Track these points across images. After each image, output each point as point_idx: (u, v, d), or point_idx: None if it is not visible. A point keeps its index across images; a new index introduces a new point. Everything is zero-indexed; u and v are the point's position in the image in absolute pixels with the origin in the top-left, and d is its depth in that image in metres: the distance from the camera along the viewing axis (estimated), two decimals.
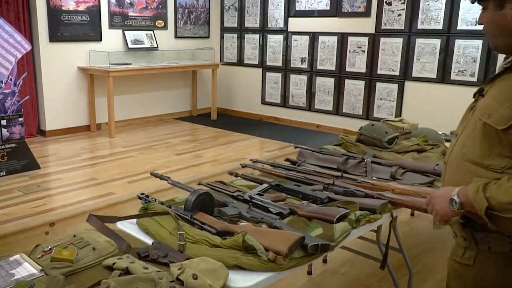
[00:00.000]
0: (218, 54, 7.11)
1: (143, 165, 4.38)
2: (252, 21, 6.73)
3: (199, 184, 2.20)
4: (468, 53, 5.02)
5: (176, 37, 6.60)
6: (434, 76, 5.26)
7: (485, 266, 1.43)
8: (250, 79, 6.90)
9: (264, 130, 6.08)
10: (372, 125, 2.82)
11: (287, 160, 2.65)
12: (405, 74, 5.45)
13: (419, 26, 5.29)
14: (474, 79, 4.98)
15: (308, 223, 1.75)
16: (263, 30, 6.63)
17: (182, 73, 6.71)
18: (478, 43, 4.95)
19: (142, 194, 1.93)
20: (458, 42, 5.07)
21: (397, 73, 5.52)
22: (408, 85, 5.46)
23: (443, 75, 5.19)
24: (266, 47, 6.64)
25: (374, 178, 2.33)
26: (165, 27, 6.46)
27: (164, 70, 6.07)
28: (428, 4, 5.19)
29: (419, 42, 5.32)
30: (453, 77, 5.13)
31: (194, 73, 6.85)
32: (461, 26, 5.03)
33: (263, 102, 6.81)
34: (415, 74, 5.39)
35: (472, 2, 1.50)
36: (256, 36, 6.72)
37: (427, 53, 5.28)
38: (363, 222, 1.84)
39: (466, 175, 1.41)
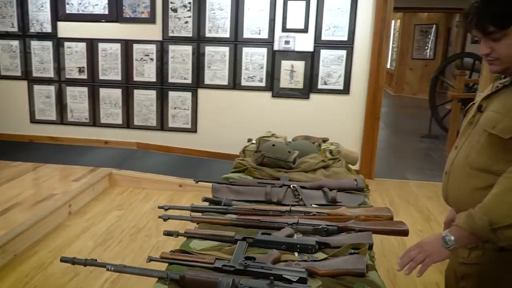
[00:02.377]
0: None
1: None
2: (8, 24, 5.59)
3: (150, 260, 1.71)
4: (255, 60, 5.32)
5: None
6: (226, 83, 5.40)
7: (492, 263, 1.54)
8: (12, 94, 5.75)
9: (45, 152, 5.20)
10: (273, 145, 2.67)
11: (206, 200, 2.29)
12: (198, 82, 5.44)
13: (207, 34, 5.33)
14: (263, 84, 5.32)
15: (346, 285, 1.52)
16: (25, 35, 5.59)
17: None
18: (263, 50, 5.29)
19: None
20: (245, 50, 5.32)
21: (189, 81, 5.46)
22: (202, 92, 5.47)
23: (234, 82, 5.38)
24: (31, 56, 5.62)
25: (313, 205, 2.23)
26: None
27: None
28: (214, 13, 5.27)
29: (209, 50, 5.37)
30: (243, 83, 5.37)
31: None
32: (246, 34, 5.28)
33: (33, 120, 5.78)
34: (207, 81, 5.43)
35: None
36: (15, 43, 5.62)
37: (217, 60, 5.38)
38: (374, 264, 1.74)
39: (472, 182, 1.54)
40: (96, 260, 1.69)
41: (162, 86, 5.50)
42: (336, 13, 5.12)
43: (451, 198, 1.66)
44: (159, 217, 2.10)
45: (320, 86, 5.28)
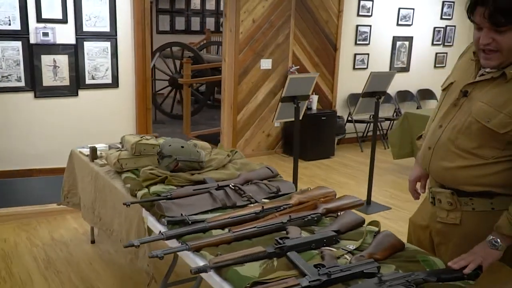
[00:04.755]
0: None
1: None
2: None
3: None
4: (9, 56, 4.51)
5: None
6: None
7: (470, 224, 1.72)
8: None
9: None
10: (182, 147, 2.46)
11: (169, 223, 1.98)
12: None
13: None
14: (22, 83, 4.58)
15: (411, 260, 1.70)
16: None
17: None
18: (17, 44, 4.53)
19: None
20: None
21: None
22: None
23: None
24: None
25: (263, 199, 2.24)
26: None
27: None
28: None
29: None
30: None
31: None
32: None
33: None
34: None
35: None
36: None
37: None
38: None
39: (458, 161, 1.68)
40: None
41: None
42: (95, 2, 4.83)
43: (433, 171, 1.79)
44: (152, 256, 1.65)
45: (88, 81, 4.92)
